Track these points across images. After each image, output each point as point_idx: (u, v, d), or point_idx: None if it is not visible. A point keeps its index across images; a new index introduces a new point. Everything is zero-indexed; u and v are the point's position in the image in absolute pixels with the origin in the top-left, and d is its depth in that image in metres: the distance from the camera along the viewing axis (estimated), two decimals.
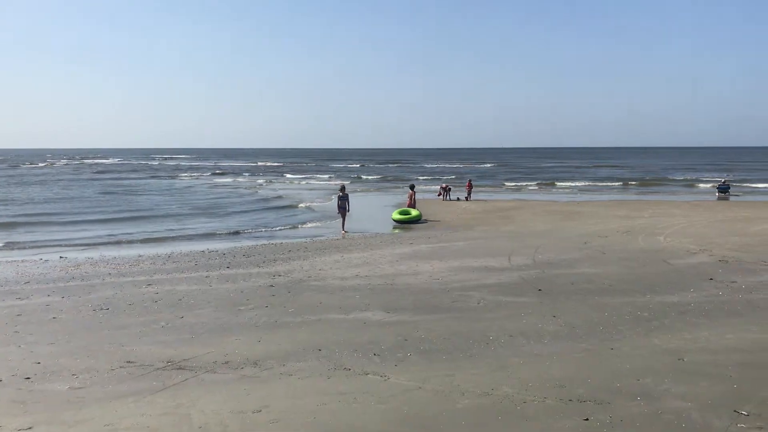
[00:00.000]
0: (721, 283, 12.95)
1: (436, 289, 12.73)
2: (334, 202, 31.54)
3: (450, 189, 38.56)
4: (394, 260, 16.13)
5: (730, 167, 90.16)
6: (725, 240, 18.88)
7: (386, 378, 7.65)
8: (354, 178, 69.18)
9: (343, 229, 23.49)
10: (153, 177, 72.82)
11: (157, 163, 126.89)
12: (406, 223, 25.84)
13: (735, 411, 6.56)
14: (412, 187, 30.65)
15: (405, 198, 33.61)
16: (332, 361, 8.35)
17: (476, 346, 8.94)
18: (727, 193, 41.16)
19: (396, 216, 26.46)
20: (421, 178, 66.54)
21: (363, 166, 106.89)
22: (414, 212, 26.71)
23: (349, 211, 24.29)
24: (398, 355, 8.54)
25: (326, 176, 72.68)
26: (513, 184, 57.92)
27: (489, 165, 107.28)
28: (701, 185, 52.87)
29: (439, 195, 37.42)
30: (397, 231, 23.48)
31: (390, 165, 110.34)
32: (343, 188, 25.14)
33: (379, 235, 22.15)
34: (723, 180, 45.65)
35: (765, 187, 51.29)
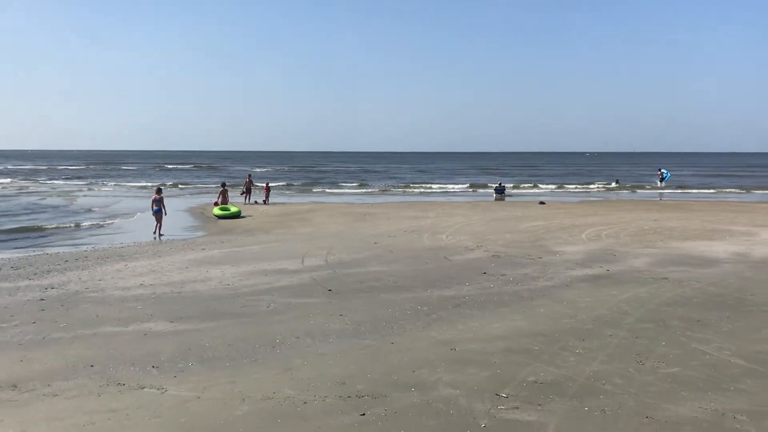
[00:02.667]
0: (493, 276, 14.10)
1: (226, 295, 12.46)
2: (120, 205, 29.92)
3: (270, 188, 39.20)
4: (184, 267, 15.53)
5: (507, 172, 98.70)
6: (498, 237, 20.61)
7: (164, 390, 7.32)
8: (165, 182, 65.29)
9: (159, 233, 22.83)
10: None
11: None
12: (228, 218, 28.00)
13: (496, 394, 7.15)
14: (223, 185, 33.22)
15: (212, 199, 34.89)
16: (105, 377, 7.81)
17: (262, 351, 8.87)
18: (502, 195, 44.98)
19: (217, 212, 28.63)
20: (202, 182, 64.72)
21: (160, 168, 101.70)
22: (233, 208, 29.03)
23: (166, 214, 24.00)
24: (179, 366, 8.21)
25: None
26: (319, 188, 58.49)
27: (286, 167, 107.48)
28: (481, 190, 57.17)
29: (242, 194, 36.53)
30: (190, 236, 22.64)
31: (193, 169, 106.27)
32: (158, 191, 24.52)
33: (169, 241, 21.20)
34: (499, 183, 49.82)
35: (529, 190, 56.74)
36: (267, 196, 37.93)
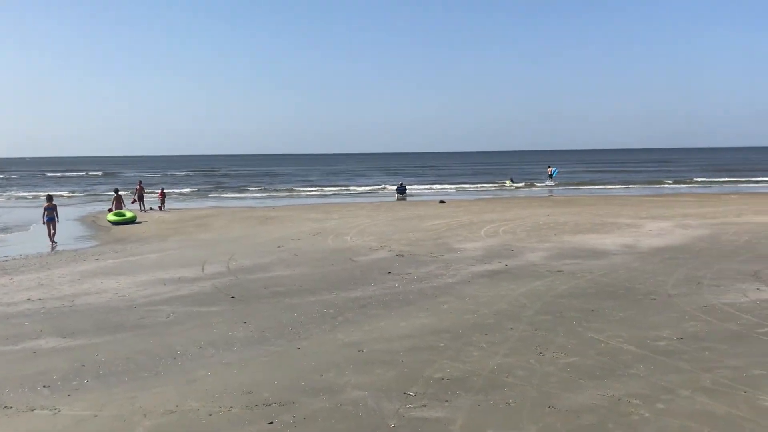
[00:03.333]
0: (398, 275, 14.23)
1: (122, 306, 11.91)
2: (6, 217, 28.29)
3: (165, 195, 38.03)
4: (75, 279, 14.74)
5: (410, 172, 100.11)
6: (402, 236, 20.85)
7: (56, 411, 6.89)
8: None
9: (53, 241, 22.23)
10: None
11: None
12: (123, 223, 27.79)
13: (404, 393, 7.20)
14: (116, 191, 32.71)
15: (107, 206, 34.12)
16: None
17: (163, 363, 8.54)
18: (404, 195, 45.57)
19: (111, 218, 28.47)
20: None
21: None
22: (129, 214, 28.97)
23: (58, 221, 23.50)
24: (73, 384, 7.77)
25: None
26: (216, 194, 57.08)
27: (182, 173, 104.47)
28: (382, 190, 57.66)
29: (133, 202, 34.88)
30: (82, 246, 21.52)
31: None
32: (50, 198, 24.06)
33: (59, 252, 20.08)
34: (400, 183, 50.47)
35: (427, 189, 57.83)
36: (162, 202, 36.68)
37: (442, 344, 9.05)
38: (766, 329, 9.46)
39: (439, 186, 59.40)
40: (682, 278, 13.23)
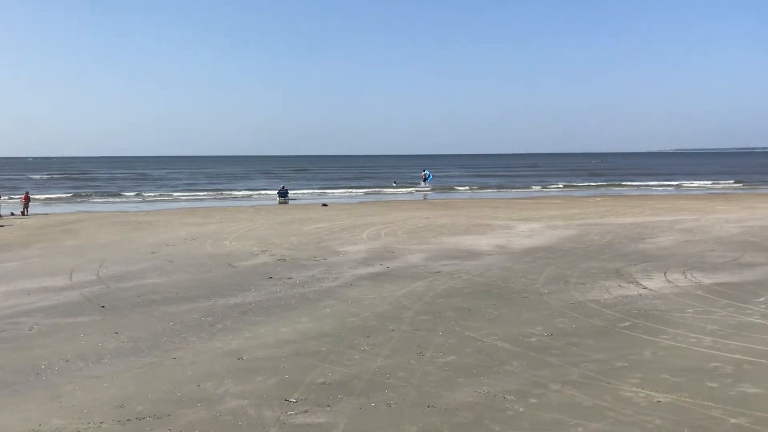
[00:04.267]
0: (279, 280, 14.04)
1: None
2: None
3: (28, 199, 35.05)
4: None
5: (290, 176, 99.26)
6: (284, 240, 20.62)
7: None
8: None
9: None
10: None
11: None
12: None
13: (286, 400, 7.11)
14: None
15: None
16: None
17: (24, 379, 7.96)
18: (286, 198, 45.13)
19: None
20: None
21: None
22: None
23: None
24: None
25: None
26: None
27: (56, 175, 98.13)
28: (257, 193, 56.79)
29: None
30: None
31: None
32: None
33: None
34: (282, 186, 49.93)
35: (308, 193, 57.70)
36: (26, 207, 34.25)
37: (324, 349, 9.02)
38: (627, 324, 10.14)
39: (320, 190, 59.26)
40: (552, 277, 13.94)
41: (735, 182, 63.96)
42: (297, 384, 7.62)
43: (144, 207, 40.42)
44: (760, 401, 6.92)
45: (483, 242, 19.59)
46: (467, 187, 60.89)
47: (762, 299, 11.56)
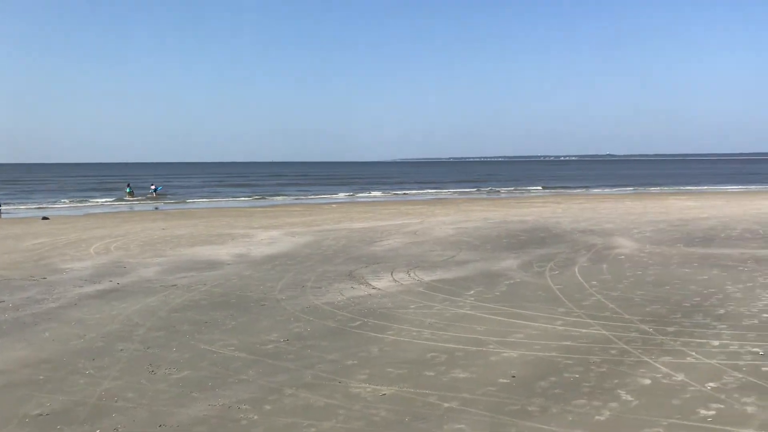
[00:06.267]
0: None
1: None
2: None
3: None
4: None
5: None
6: None
7: None
8: None
9: None
10: None
11: None
12: None
13: None
14: None
15: None
16: None
17: None
18: None
19: None
20: None
21: None
22: None
23: None
24: None
25: None
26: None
27: None
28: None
29: None
30: None
31: None
32: None
33: None
34: None
35: (26, 208, 52.14)
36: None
37: (41, 377, 8.23)
38: (358, 323, 10.76)
39: (40, 204, 53.42)
40: (290, 283, 14.27)
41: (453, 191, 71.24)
42: (9, 418, 6.85)
43: None
44: (468, 384, 7.81)
45: (223, 252, 19.35)
46: (208, 197, 59.63)
47: (471, 292, 13.03)
